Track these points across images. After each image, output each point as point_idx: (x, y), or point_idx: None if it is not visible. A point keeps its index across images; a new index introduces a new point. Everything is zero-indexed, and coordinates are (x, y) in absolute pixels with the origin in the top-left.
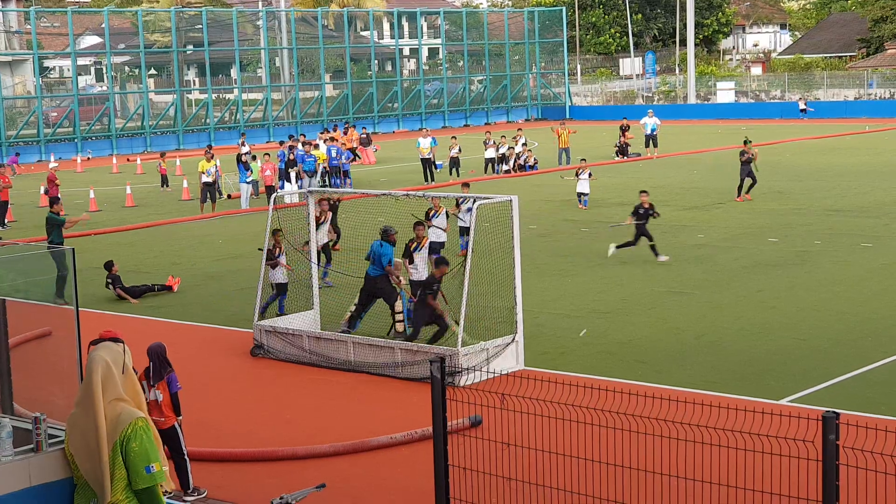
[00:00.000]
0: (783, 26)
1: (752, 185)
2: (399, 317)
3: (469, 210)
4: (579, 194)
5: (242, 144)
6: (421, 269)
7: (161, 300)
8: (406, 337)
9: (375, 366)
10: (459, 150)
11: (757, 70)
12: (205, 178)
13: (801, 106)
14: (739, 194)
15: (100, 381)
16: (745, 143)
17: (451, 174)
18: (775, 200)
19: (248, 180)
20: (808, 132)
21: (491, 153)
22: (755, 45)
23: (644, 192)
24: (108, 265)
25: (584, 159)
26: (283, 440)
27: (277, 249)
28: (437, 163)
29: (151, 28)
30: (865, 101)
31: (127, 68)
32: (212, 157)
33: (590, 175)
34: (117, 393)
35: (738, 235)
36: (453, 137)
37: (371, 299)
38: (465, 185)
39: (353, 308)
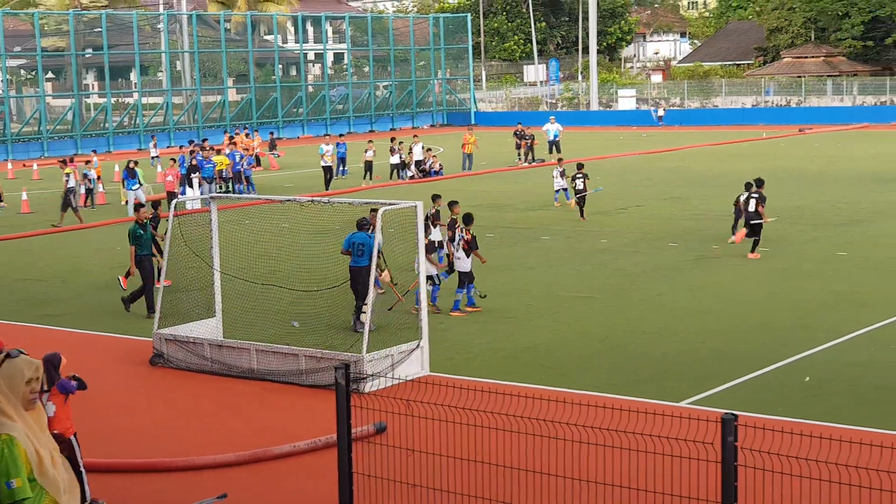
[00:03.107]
0: (683, 35)
1: None
2: (366, 308)
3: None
4: (563, 190)
5: (154, 147)
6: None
7: (57, 308)
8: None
9: (279, 373)
10: (374, 153)
11: (657, 78)
12: (71, 184)
13: (660, 113)
14: None
15: None
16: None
17: (364, 178)
18: (675, 206)
19: (134, 188)
20: (708, 139)
21: (396, 159)
22: (656, 53)
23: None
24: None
25: (561, 158)
26: (183, 450)
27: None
28: (343, 168)
29: (49, 31)
30: (762, 108)
31: (23, 71)
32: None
33: (563, 173)
34: None
35: (639, 240)
36: (370, 141)
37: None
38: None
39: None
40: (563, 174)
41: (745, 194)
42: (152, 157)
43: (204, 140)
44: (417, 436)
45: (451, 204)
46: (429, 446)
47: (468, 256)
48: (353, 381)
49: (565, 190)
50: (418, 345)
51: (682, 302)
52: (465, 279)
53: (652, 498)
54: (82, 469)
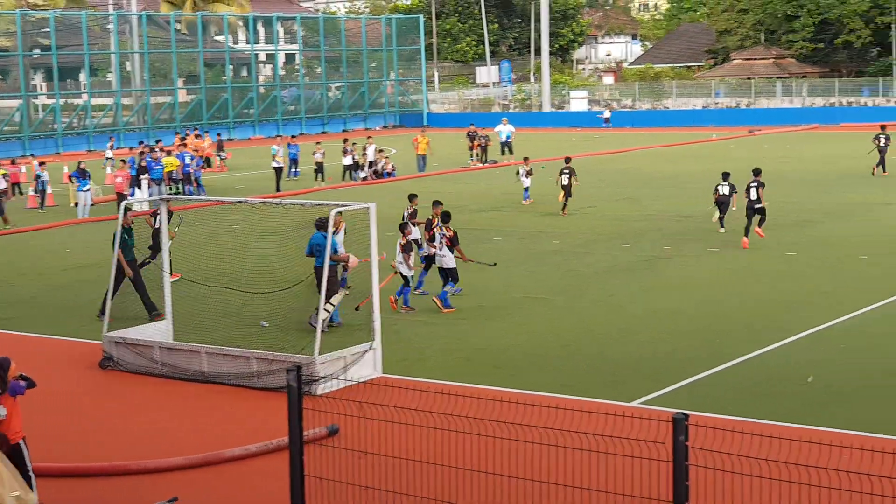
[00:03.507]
0: (634, 37)
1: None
2: (329, 307)
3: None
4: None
5: (110, 148)
6: (340, 251)
7: (5, 311)
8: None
9: (230, 376)
10: (323, 154)
11: (609, 79)
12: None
13: (606, 115)
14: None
15: None
16: (882, 128)
17: (315, 180)
18: (627, 207)
19: (85, 189)
20: (659, 140)
21: (349, 160)
22: (608, 55)
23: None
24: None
25: (527, 157)
26: (134, 454)
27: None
28: (295, 170)
29: None
30: (713, 109)
31: None
32: None
33: (529, 172)
34: None
35: (591, 241)
36: (318, 143)
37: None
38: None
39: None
40: (528, 174)
41: (725, 185)
42: (106, 158)
43: (157, 141)
44: (370, 438)
45: (434, 203)
46: (381, 448)
47: (452, 252)
48: (305, 383)
49: (526, 189)
50: (371, 346)
51: (634, 302)
52: (452, 275)
53: (604, 498)
54: (31, 473)
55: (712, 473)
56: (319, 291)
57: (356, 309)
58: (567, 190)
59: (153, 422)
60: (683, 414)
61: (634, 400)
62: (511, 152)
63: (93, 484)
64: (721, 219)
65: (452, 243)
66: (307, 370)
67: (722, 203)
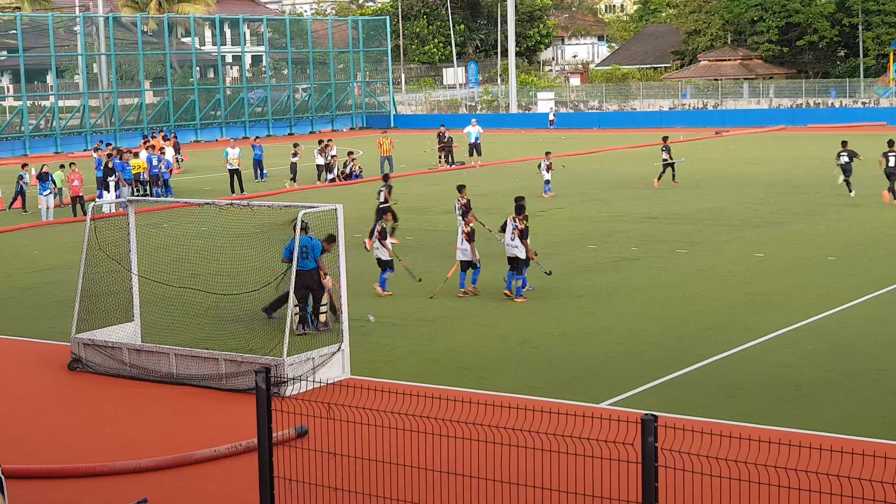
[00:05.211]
0: (601, 38)
1: None
2: (323, 308)
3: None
4: (546, 182)
5: (97, 150)
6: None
7: None
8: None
9: (199, 378)
10: (299, 157)
11: (576, 81)
12: None
13: (550, 117)
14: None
15: None
16: (889, 143)
17: (292, 181)
18: (594, 208)
19: (46, 193)
20: (626, 141)
21: (319, 160)
22: (574, 56)
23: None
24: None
25: (549, 152)
26: (103, 455)
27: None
28: (262, 172)
29: None
30: (679, 111)
31: None
32: None
33: (549, 167)
34: None
35: (558, 243)
36: (296, 144)
37: (308, 293)
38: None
39: (296, 310)
40: (549, 168)
41: (844, 153)
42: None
43: (153, 136)
44: (339, 439)
45: (517, 207)
46: (350, 450)
47: (522, 243)
48: (274, 384)
49: (547, 182)
50: (339, 348)
51: (602, 304)
52: (518, 266)
53: (573, 499)
54: (0, 476)
55: (681, 475)
56: (308, 294)
57: (430, 297)
58: (667, 167)
59: (122, 423)
60: (652, 415)
61: (603, 401)
62: (479, 154)
63: (62, 486)
64: (847, 182)
65: (522, 235)
66: (276, 372)
67: (845, 170)
